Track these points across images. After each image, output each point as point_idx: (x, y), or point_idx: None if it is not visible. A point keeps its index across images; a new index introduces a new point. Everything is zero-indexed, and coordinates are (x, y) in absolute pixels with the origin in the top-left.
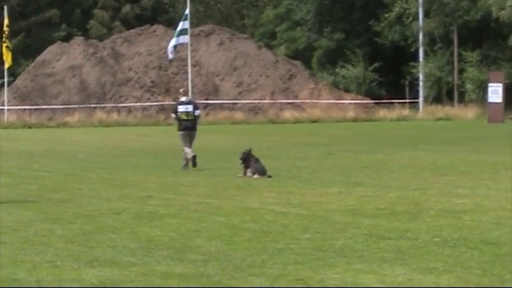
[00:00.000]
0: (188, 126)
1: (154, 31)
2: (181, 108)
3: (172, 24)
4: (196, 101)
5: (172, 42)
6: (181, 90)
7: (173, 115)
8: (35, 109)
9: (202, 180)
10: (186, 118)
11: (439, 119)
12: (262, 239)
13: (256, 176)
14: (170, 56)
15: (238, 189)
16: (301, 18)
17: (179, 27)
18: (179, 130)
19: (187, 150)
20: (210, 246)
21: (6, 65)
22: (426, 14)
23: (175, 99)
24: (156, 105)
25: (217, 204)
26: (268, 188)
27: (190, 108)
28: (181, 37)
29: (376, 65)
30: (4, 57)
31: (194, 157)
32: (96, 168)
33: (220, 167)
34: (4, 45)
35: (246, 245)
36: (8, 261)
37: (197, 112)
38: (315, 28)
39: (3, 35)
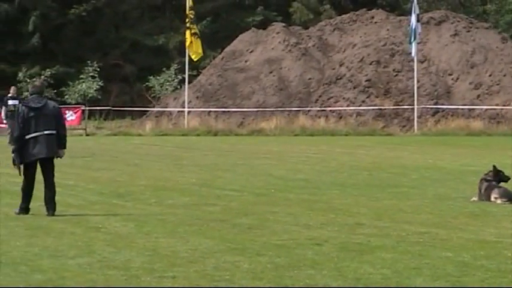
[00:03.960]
0: None
1: (373, 17)
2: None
3: (395, 8)
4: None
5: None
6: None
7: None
8: (223, 112)
9: (426, 205)
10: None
11: None
12: (498, 280)
13: (500, 200)
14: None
15: (471, 217)
16: None
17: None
18: None
19: None
20: None
21: (195, 57)
22: None
23: (397, 103)
24: (373, 109)
25: (443, 236)
26: (509, 217)
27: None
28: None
29: None
30: (193, 47)
31: None
32: (295, 188)
33: (450, 189)
34: (191, 32)
35: (477, 286)
36: None
37: None
38: None
39: (186, 20)
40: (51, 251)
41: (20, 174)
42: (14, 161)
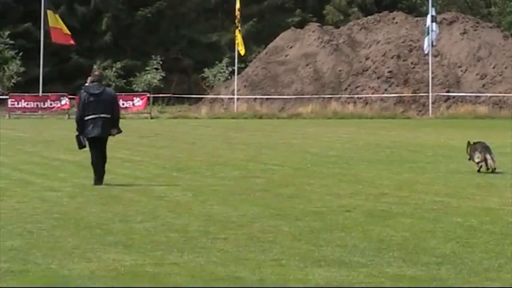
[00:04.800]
0: None
1: (394, 18)
2: None
3: (413, 10)
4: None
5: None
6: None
7: None
8: (266, 99)
9: (440, 178)
10: None
11: None
12: (501, 242)
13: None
14: (425, 49)
15: (478, 188)
16: None
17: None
18: None
19: None
20: (445, 248)
21: (242, 52)
22: None
23: (414, 91)
24: (394, 96)
25: (454, 204)
26: (510, 188)
27: None
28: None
29: None
30: (238, 42)
31: None
32: (327, 163)
33: (460, 164)
34: (238, 29)
35: (483, 247)
36: (232, 259)
37: None
38: None
39: (236, 20)
40: (121, 216)
41: (79, 148)
42: (79, 139)
